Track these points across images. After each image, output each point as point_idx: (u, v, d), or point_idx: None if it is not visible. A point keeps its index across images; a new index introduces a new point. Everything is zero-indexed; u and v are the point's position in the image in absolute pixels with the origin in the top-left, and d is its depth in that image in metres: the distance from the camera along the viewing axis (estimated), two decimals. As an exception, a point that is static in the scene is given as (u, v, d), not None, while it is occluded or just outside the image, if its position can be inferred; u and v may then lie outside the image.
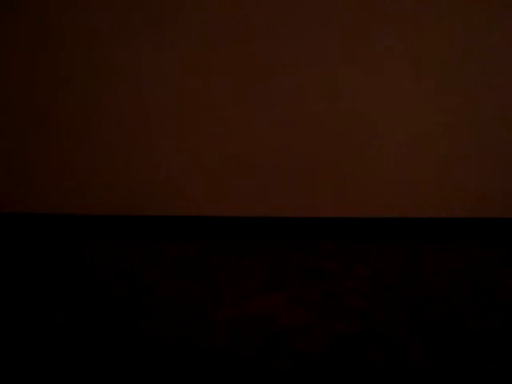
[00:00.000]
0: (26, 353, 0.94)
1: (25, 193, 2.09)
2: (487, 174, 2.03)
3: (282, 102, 2.01)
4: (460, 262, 1.66)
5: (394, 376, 0.86)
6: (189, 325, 1.08)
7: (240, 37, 1.99)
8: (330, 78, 2.00)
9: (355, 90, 2.00)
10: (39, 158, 2.07)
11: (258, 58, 2.00)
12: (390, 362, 0.91)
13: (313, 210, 2.05)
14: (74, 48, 2.02)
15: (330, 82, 1.99)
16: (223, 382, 0.83)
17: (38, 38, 2.03)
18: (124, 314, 1.15)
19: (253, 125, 2.02)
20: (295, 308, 1.19)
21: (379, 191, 2.03)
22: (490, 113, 2.00)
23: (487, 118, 2.01)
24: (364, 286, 1.37)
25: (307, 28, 1.99)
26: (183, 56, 2.01)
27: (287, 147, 2.03)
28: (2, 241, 1.97)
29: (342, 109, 2.01)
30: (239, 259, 1.68)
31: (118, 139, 2.05)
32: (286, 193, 2.05)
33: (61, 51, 2.03)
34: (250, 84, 2.02)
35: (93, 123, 2.06)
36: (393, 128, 2.01)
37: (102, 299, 1.25)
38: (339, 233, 2.07)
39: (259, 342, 0.99)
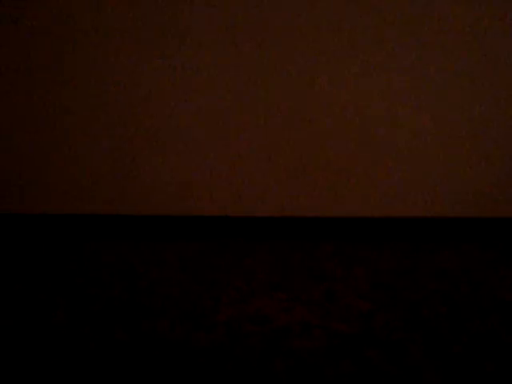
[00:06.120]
0: (27, 352, 0.95)
1: (25, 193, 2.09)
2: (487, 174, 2.03)
3: (281, 101, 2.01)
4: (459, 262, 1.67)
5: (393, 375, 0.86)
6: (189, 325, 1.09)
7: (244, 38, 2.00)
8: (330, 78, 2.00)
9: (355, 90, 2.01)
10: (39, 158, 2.08)
11: (258, 59, 2.00)
12: (389, 361, 0.92)
13: (313, 210, 2.05)
14: (81, 48, 2.03)
15: (329, 81, 2.00)
16: (223, 382, 0.84)
17: (49, 37, 2.03)
18: (125, 314, 1.15)
19: (253, 125, 2.03)
20: (295, 308, 1.20)
21: (379, 191, 2.04)
22: (492, 113, 2.01)
23: (488, 118, 2.01)
24: (363, 286, 1.38)
25: (308, 29, 2.00)
26: (189, 57, 2.01)
27: (287, 147, 2.04)
28: (2, 241, 1.97)
29: (342, 109, 2.01)
30: (240, 259, 1.68)
31: (119, 140, 2.06)
32: (287, 193, 2.05)
33: (68, 52, 2.03)
34: (249, 85, 2.02)
35: (95, 123, 2.07)
36: (392, 129, 2.02)
37: (103, 299, 1.26)
38: (339, 233, 2.08)
39: (259, 342, 1.00)
